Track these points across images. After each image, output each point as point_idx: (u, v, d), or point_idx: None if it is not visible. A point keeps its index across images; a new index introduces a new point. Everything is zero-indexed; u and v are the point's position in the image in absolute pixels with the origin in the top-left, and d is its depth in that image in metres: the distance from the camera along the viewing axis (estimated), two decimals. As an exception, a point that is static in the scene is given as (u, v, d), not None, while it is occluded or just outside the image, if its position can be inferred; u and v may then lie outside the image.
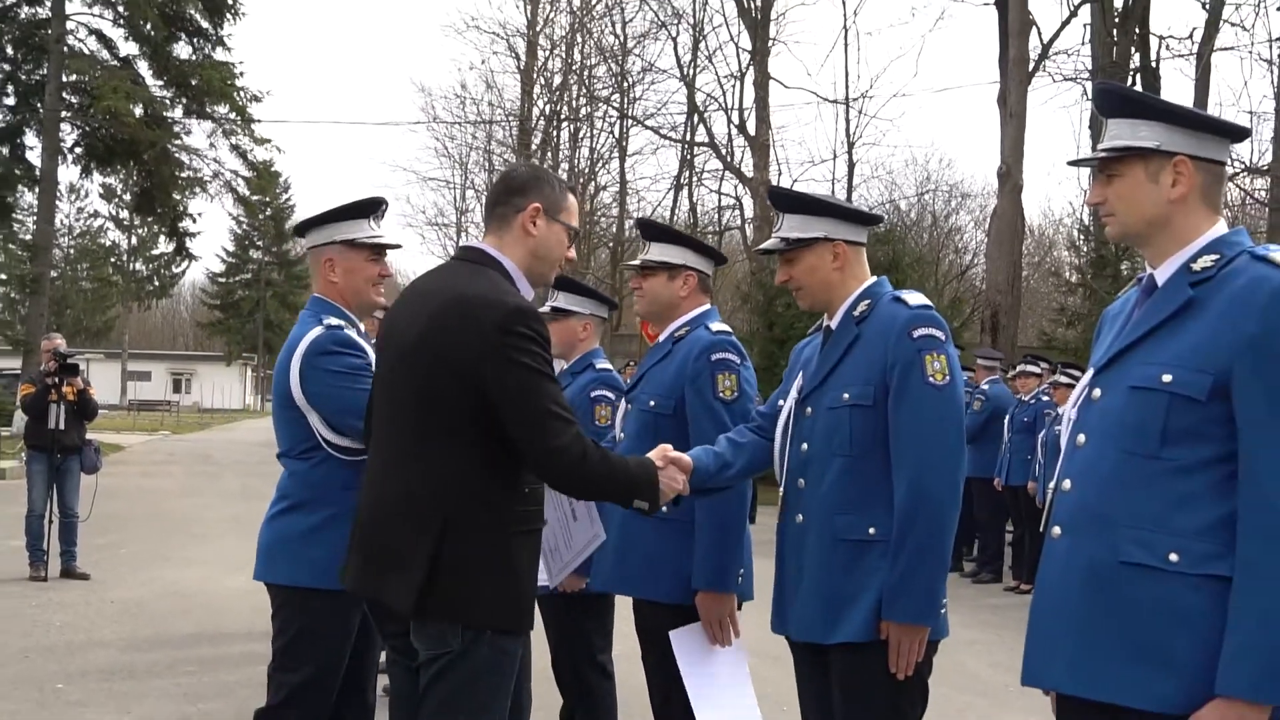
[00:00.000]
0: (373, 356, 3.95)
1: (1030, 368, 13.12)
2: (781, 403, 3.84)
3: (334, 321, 4.15)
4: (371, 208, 4.28)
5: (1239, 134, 2.87)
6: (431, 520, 3.18)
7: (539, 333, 3.22)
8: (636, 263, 4.60)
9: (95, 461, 11.69)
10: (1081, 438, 2.73)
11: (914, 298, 3.66)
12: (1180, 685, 2.50)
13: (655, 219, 14.71)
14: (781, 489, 3.74)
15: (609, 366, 5.27)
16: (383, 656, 4.04)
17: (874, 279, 3.76)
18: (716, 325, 4.42)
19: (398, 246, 4.39)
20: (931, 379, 3.49)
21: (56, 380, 11.33)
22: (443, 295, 3.32)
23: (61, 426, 11.30)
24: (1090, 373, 2.80)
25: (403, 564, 3.21)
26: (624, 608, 4.85)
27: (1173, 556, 2.54)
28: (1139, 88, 22.66)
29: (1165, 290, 2.70)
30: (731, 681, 4.09)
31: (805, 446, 3.68)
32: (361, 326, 4.31)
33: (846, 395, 3.59)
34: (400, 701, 3.51)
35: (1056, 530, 2.73)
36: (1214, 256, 2.66)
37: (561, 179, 3.61)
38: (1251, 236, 2.77)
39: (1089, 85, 22.62)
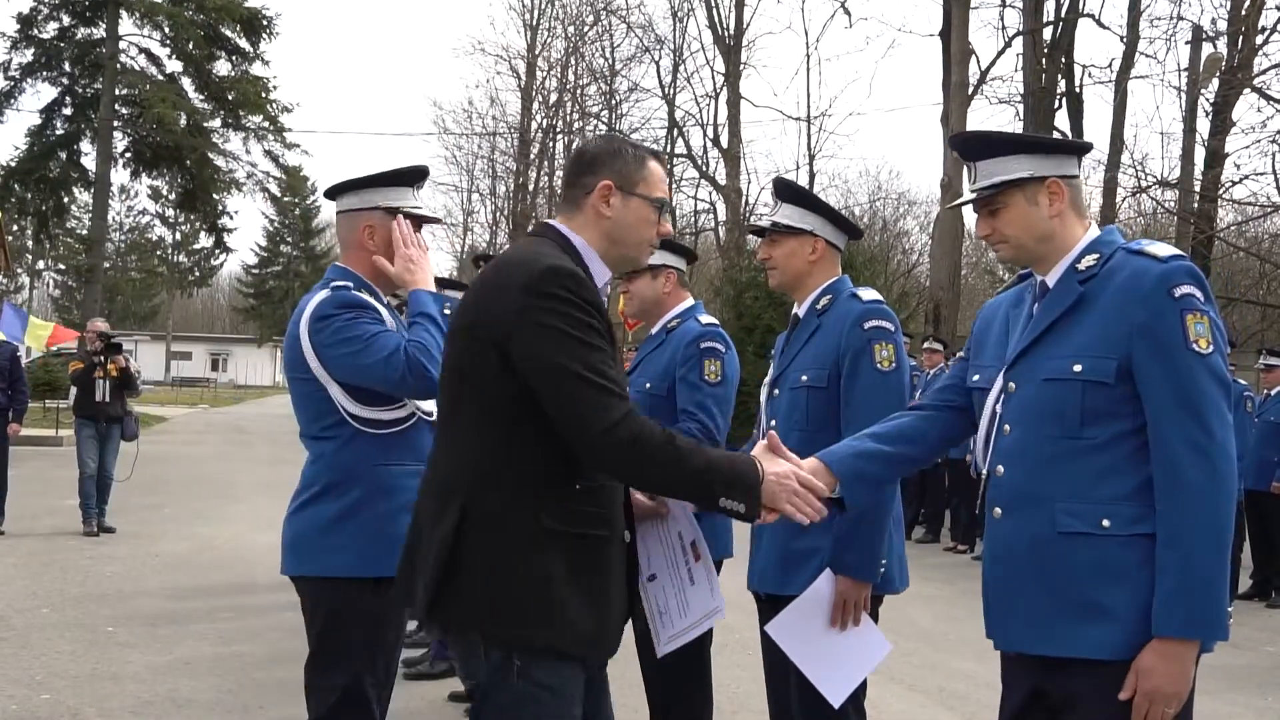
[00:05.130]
0: (387, 316, 3.41)
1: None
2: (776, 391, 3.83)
3: (341, 282, 3.42)
4: (417, 177, 3.59)
5: (1085, 150, 2.92)
6: (451, 512, 2.49)
7: (577, 294, 2.47)
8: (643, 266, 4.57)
9: (134, 430, 11.82)
10: (1007, 427, 2.74)
11: (868, 294, 3.67)
12: (1124, 633, 2.51)
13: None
14: None
15: None
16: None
17: (837, 277, 3.75)
18: (705, 318, 4.41)
19: (439, 221, 4.06)
20: (879, 365, 3.52)
21: (101, 358, 11.45)
22: (493, 266, 2.65)
23: (106, 399, 11.44)
24: (1002, 370, 2.79)
25: (423, 563, 2.53)
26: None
27: (1105, 522, 2.55)
28: (1065, 111, 22.73)
29: (1057, 290, 2.72)
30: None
31: (773, 422, 3.69)
32: (383, 298, 3.54)
33: (805, 378, 3.61)
34: None
35: (997, 511, 2.73)
36: (1095, 255, 2.69)
37: (642, 144, 2.83)
38: (1164, 242, 2.78)
39: (1021, 107, 22.63)
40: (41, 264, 68.57)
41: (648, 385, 4.36)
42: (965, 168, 2.83)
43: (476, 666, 2.48)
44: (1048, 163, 2.74)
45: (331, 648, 3.30)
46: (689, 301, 4.51)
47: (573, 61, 38.04)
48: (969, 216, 24.03)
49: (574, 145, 39.04)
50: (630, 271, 4.42)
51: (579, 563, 2.49)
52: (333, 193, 3.59)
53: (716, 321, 4.44)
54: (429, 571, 2.48)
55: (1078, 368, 2.60)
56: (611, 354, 2.49)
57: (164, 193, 55.90)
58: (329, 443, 3.35)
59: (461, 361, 2.55)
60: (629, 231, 2.71)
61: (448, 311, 3.39)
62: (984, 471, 2.81)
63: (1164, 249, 2.63)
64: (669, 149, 35.27)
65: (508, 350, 2.44)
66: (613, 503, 2.61)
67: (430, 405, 3.42)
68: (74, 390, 12.08)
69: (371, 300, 3.42)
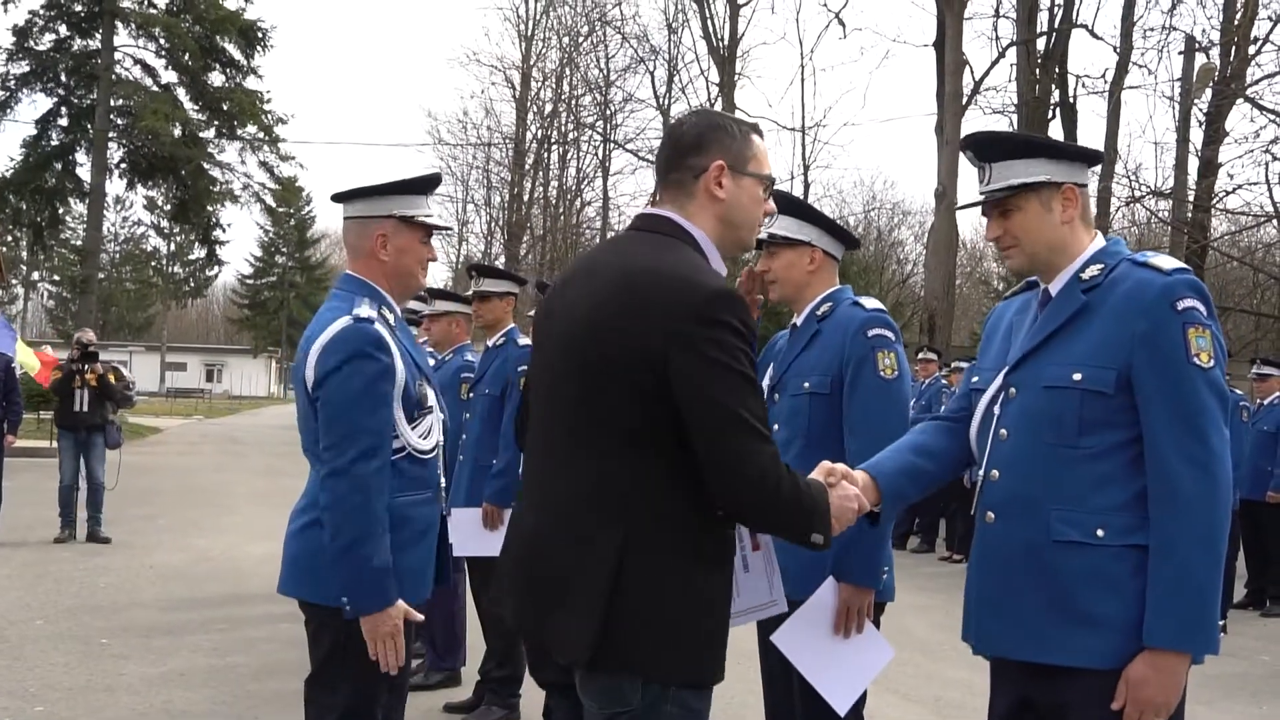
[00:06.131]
0: (395, 351, 3.23)
1: (961, 366, 13.18)
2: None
3: (365, 313, 3.22)
4: (430, 185, 3.50)
5: (1098, 159, 2.91)
6: (605, 546, 2.34)
7: (744, 324, 2.35)
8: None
9: (117, 438, 11.89)
10: (1004, 432, 2.73)
11: (870, 302, 3.69)
12: (1115, 643, 2.51)
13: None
14: None
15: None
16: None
17: (837, 286, 3.77)
18: None
19: (449, 229, 3.94)
20: (882, 373, 3.53)
21: (79, 367, 11.53)
22: (623, 271, 2.44)
23: (85, 408, 11.51)
24: (1002, 374, 2.79)
25: (572, 601, 2.37)
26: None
27: (1099, 532, 2.56)
28: (1058, 121, 22.79)
29: (1060, 298, 2.72)
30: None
31: (776, 428, 3.68)
32: (398, 310, 3.44)
33: (807, 384, 3.61)
34: None
35: (990, 515, 2.73)
36: (1099, 266, 2.69)
37: (742, 120, 2.67)
38: (1161, 252, 2.79)
39: (1015, 117, 22.68)
40: (36, 275, 68.51)
41: None
42: (978, 169, 2.80)
43: (629, 696, 2.36)
44: (1064, 168, 2.73)
45: (335, 670, 3.25)
46: None
47: (567, 72, 38.15)
48: (964, 226, 24.11)
49: (569, 154, 39.04)
50: None
51: (722, 591, 2.46)
52: (342, 198, 3.47)
53: None
54: (591, 614, 2.33)
55: (1077, 376, 2.60)
56: (761, 386, 2.41)
57: (159, 203, 56.03)
58: None
59: (599, 381, 2.38)
60: (742, 213, 2.58)
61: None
62: (979, 472, 2.81)
63: (1169, 262, 2.63)
64: (664, 159, 35.33)
65: (665, 374, 2.30)
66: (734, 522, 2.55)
67: (429, 444, 3.34)
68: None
69: (386, 334, 3.24)
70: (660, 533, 2.35)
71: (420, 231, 3.42)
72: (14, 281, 63.02)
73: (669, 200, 2.57)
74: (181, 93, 34.78)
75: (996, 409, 2.77)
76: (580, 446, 2.43)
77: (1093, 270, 2.69)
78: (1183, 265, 2.63)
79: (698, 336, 2.29)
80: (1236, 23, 19.60)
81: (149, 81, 34.59)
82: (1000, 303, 3.07)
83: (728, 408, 2.28)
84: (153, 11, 33.89)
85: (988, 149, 2.79)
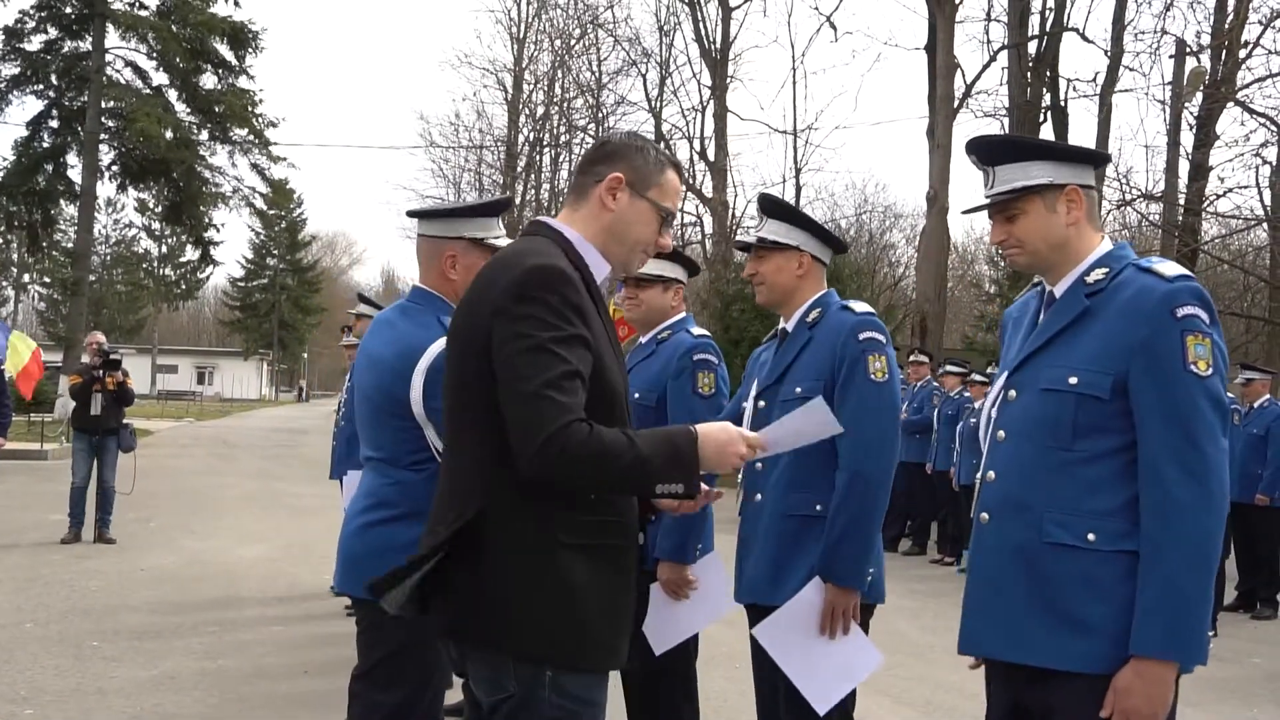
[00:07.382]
0: None
1: (953, 369, 13.20)
2: (745, 405, 3.84)
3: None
4: (502, 208, 3.69)
5: (1104, 161, 2.92)
6: (456, 523, 2.40)
7: (561, 296, 2.37)
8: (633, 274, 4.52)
9: (130, 442, 11.89)
10: (1001, 434, 2.74)
11: (859, 306, 3.69)
12: (1103, 648, 2.51)
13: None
14: (740, 474, 3.72)
15: None
16: None
17: (825, 290, 3.77)
18: (697, 330, 4.39)
19: None
20: (873, 376, 3.53)
21: (100, 373, 11.56)
22: (482, 270, 2.57)
23: (101, 412, 11.53)
24: (1004, 375, 2.80)
25: (440, 577, 2.41)
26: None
27: (1090, 536, 2.56)
28: (1050, 125, 22.84)
29: (1063, 301, 2.72)
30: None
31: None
32: None
33: (799, 389, 3.60)
34: None
35: (985, 516, 2.73)
36: (1105, 270, 2.69)
37: (665, 152, 2.70)
38: (1144, 254, 2.79)
39: (1006, 120, 22.73)
40: (27, 277, 68.36)
41: (636, 396, 4.34)
42: (982, 173, 2.81)
43: (505, 682, 2.39)
44: (1069, 170, 2.73)
45: (391, 670, 3.32)
46: (683, 313, 4.50)
47: (559, 75, 38.10)
48: (955, 229, 24.13)
49: (561, 157, 39.05)
50: (641, 280, 4.38)
51: (598, 574, 2.42)
52: (417, 215, 3.67)
53: (708, 334, 4.43)
54: (449, 592, 2.40)
55: (1073, 380, 2.60)
56: (586, 356, 2.39)
57: (150, 206, 55.93)
58: (415, 472, 3.35)
59: (457, 373, 2.49)
60: (627, 230, 2.61)
61: None
62: (978, 475, 2.82)
63: (1172, 268, 2.63)
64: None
65: (490, 355, 2.37)
66: (628, 508, 2.52)
67: None
68: (61, 405, 12.11)
69: None
70: (516, 520, 2.38)
71: (489, 252, 3.48)
72: (5, 284, 62.90)
73: (567, 203, 2.66)
74: (173, 95, 34.75)
75: (995, 411, 2.78)
76: (452, 436, 2.55)
77: (1097, 274, 2.69)
78: (1186, 272, 2.63)
79: (511, 312, 2.35)
80: (1227, 26, 19.67)
81: (140, 84, 34.55)
82: (1021, 297, 3.04)
83: (522, 376, 2.29)
84: (143, 14, 33.83)
85: (990, 153, 2.80)
